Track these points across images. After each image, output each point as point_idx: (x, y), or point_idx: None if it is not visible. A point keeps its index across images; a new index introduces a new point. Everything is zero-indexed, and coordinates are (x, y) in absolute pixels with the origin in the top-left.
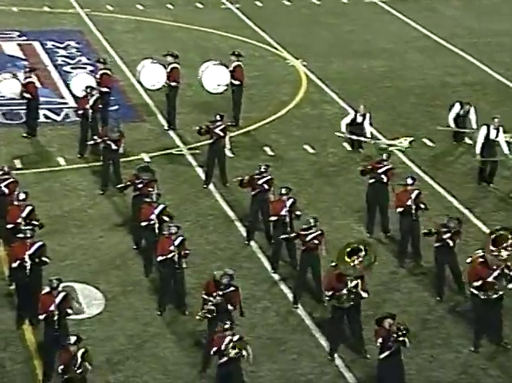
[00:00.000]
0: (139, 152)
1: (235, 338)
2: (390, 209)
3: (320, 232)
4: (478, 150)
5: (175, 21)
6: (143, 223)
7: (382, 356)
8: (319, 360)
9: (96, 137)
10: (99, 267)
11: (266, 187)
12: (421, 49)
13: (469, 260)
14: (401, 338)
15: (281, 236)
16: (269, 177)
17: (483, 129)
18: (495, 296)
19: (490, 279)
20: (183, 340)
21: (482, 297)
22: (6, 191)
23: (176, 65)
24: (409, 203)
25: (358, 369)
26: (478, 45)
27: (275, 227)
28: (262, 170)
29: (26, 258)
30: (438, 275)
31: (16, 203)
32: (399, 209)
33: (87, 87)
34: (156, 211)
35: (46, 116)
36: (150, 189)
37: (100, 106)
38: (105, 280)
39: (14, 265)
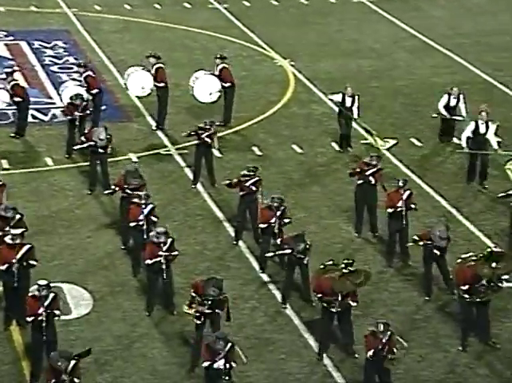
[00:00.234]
0: (127, 151)
1: (227, 348)
2: (378, 209)
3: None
4: (464, 143)
5: (162, 21)
6: (132, 224)
7: (369, 354)
8: (307, 359)
9: (83, 139)
10: (87, 267)
11: (254, 188)
12: (409, 49)
13: (458, 261)
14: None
15: (268, 254)
16: (256, 179)
17: (471, 124)
18: (481, 300)
19: (476, 286)
20: (172, 340)
21: (468, 300)
22: None
23: (160, 65)
24: (400, 204)
25: (346, 369)
26: (466, 45)
27: (263, 232)
28: (250, 172)
29: (14, 261)
30: (426, 275)
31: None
32: (390, 210)
33: (76, 95)
34: (145, 212)
35: (34, 116)
36: (139, 193)
37: (91, 109)
38: (93, 280)
39: (2, 268)
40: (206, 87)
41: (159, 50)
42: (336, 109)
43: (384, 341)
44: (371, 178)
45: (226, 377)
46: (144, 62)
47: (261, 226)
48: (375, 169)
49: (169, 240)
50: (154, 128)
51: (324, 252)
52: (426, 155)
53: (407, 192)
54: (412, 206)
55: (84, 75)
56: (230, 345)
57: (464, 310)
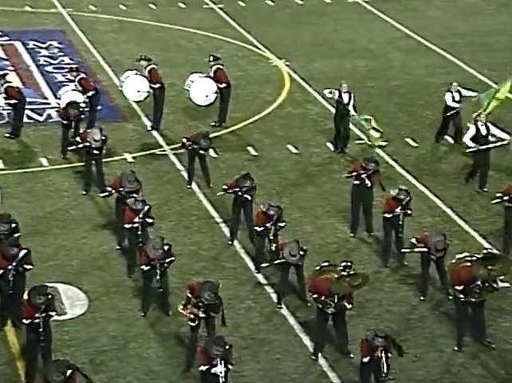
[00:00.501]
0: (122, 152)
1: (224, 352)
2: (374, 209)
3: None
4: (469, 143)
5: (157, 21)
6: (127, 226)
7: (365, 360)
8: (303, 359)
9: (78, 139)
10: (82, 268)
11: (249, 197)
12: (404, 49)
13: (453, 261)
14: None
15: (263, 265)
16: (250, 187)
17: (472, 128)
18: (476, 300)
19: (471, 287)
20: (167, 340)
21: (463, 300)
22: None
23: (153, 66)
24: (398, 210)
25: (342, 369)
26: (461, 46)
27: (258, 234)
28: (246, 181)
29: (10, 268)
30: (423, 275)
31: None
32: (387, 215)
33: (72, 103)
34: (140, 214)
35: (29, 117)
36: (134, 196)
37: (87, 109)
38: (88, 281)
39: None
40: (201, 90)
41: (155, 50)
42: (332, 109)
43: (379, 348)
44: (367, 181)
45: (223, 381)
46: (137, 65)
47: (257, 229)
48: (370, 172)
49: (166, 247)
50: (149, 128)
51: (320, 252)
52: (421, 155)
53: (407, 199)
54: (409, 212)
55: (78, 78)
56: (227, 347)
57: (459, 310)
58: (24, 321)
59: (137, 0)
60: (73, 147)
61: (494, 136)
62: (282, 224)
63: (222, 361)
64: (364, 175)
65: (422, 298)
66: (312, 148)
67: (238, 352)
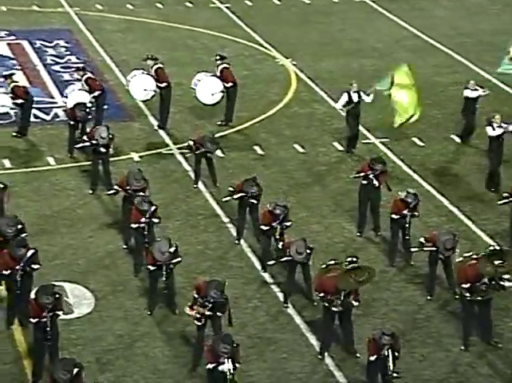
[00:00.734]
0: (128, 151)
1: (232, 350)
2: (381, 209)
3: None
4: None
5: (164, 21)
6: (133, 226)
7: (372, 358)
8: (309, 359)
9: (84, 138)
10: (88, 267)
11: (255, 201)
12: (411, 49)
13: (459, 259)
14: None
15: (269, 262)
16: (257, 193)
17: (489, 129)
18: (482, 298)
19: (478, 284)
20: (173, 339)
21: (470, 299)
22: None
23: (159, 65)
24: (405, 212)
25: (348, 369)
26: (468, 45)
27: (264, 233)
28: (253, 186)
29: (18, 268)
30: (430, 274)
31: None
32: (394, 216)
33: (79, 104)
34: (147, 215)
35: (36, 116)
36: (141, 194)
37: (94, 108)
38: (95, 280)
39: (5, 273)
40: (208, 89)
41: (161, 50)
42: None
43: (386, 346)
44: (375, 182)
45: (231, 378)
46: (143, 65)
47: (263, 228)
48: (378, 172)
49: (172, 248)
50: (156, 127)
51: (327, 251)
52: (428, 154)
53: (415, 202)
54: (416, 213)
55: (84, 78)
56: (234, 346)
57: (466, 309)
58: (31, 320)
59: None
60: (80, 144)
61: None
62: (288, 223)
63: (230, 359)
64: (371, 176)
65: (429, 297)
66: (318, 147)
67: (245, 351)
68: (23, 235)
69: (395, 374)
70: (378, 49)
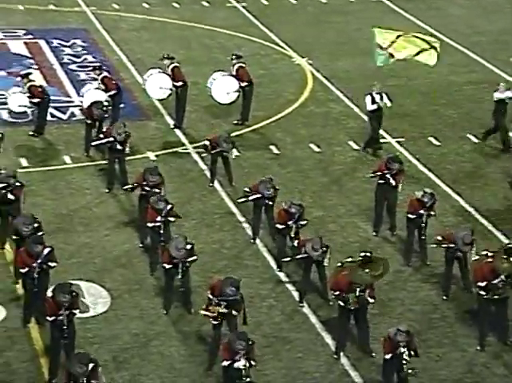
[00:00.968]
0: (144, 150)
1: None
2: (398, 208)
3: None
4: None
5: (180, 20)
6: (149, 224)
7: (387, 357)
8: (324, 358)
9: (101, 136)
10: (104, 266)
11: (270, 203)
12: None
13: (475, 258)
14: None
15: (285, 259)
16: (272, 195)
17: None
18: (499, 297)
19: (494, 282)
20: (189, 338)
21: (485, 297)
22: (13, 197)
23: (176, 64)
24: (422, 211)
25: (364, 368)
26: (484, 44)
27: (279, 232)
28: (267, 189)
29: (35, 265)
30: (446, 274)
31: None
32: (410, 215)
33: (96, 103)
34: (163, 213)
35: (52, 115)
36: (157, 190)
37: (110, 107)
38: (111, 278)
39: (22, 271)
40: (223, 88)
41: (177, 49)
42: (354, 108)
43: (402, 344)
44: (392, 181)
45: (247, 378)
46: (160, 64)
47: (278, 226)
48: (395, 171)
49: (188, 246)
50: (172, 126)
51: (342, 251)
52: (444, 153)
53: (431, 202)
54: (432, 213)
55: (101, 77)
56: (250, 343)
57: (482, 309)
58: (48, 318)
59: None
60: (97, 142)
61: None
62: (304, 222)
63: (245, 356)
64: (388, 175)
65: (444, 297)
66: (334, 146)
67: (260, 350)
68: (40, 234)
69: (409, 371)
70: None
